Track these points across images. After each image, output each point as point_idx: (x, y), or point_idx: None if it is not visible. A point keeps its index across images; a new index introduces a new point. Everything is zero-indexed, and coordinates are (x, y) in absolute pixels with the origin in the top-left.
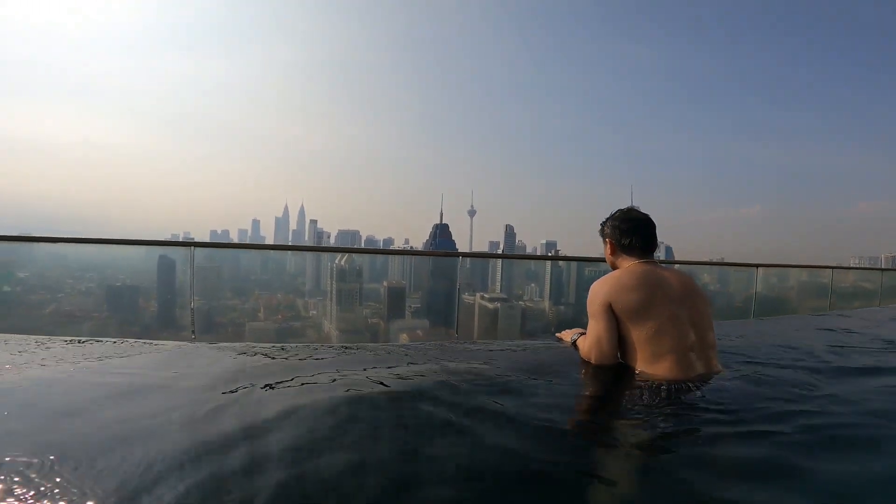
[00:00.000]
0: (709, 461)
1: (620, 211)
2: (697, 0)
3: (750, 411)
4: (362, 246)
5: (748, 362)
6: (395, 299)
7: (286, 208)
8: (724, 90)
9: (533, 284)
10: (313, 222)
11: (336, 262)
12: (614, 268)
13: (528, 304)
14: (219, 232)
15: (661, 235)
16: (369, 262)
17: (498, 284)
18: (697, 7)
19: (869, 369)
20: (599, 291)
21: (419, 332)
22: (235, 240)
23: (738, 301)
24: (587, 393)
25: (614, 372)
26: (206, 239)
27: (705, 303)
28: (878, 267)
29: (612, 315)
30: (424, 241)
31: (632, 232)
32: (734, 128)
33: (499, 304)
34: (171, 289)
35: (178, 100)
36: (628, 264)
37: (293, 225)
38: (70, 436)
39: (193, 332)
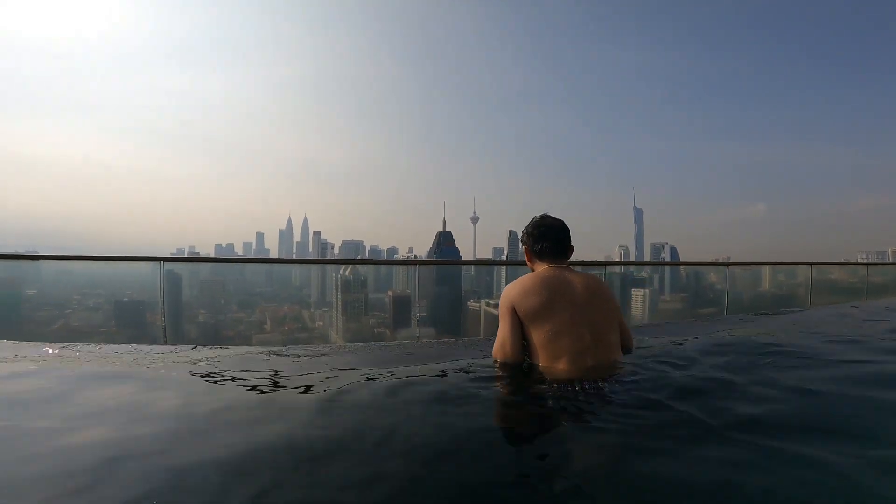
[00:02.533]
0: (563, 460)
1: (535, 218)
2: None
3: (624, 414)
4: (367, 256)
5: (661, 362)
6: (401, 308)
7: (290, 220)
8: (723, 89)
9: None
10: (317, 234)
11: (341, 272)
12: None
13: None
14: (223, 246)
15: (666, 236)
16: (374, 271)
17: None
18: (696, 7)
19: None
20: (505, 296)
21: (425, 340)
22: (240, 253)
23: (744, 298)
24: (485, 392)
25: (518, 371)
26: (211, 253)
27: (610, 305)
28: (866, 262)
29: (516, 317)
30: (428, 249)
31: (542, 238)
32: (734, 126)
33: None
34: (178, 303)
35: (179, 116)
36: (540, 269)
37: (297, 237)
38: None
39: (165, 341)
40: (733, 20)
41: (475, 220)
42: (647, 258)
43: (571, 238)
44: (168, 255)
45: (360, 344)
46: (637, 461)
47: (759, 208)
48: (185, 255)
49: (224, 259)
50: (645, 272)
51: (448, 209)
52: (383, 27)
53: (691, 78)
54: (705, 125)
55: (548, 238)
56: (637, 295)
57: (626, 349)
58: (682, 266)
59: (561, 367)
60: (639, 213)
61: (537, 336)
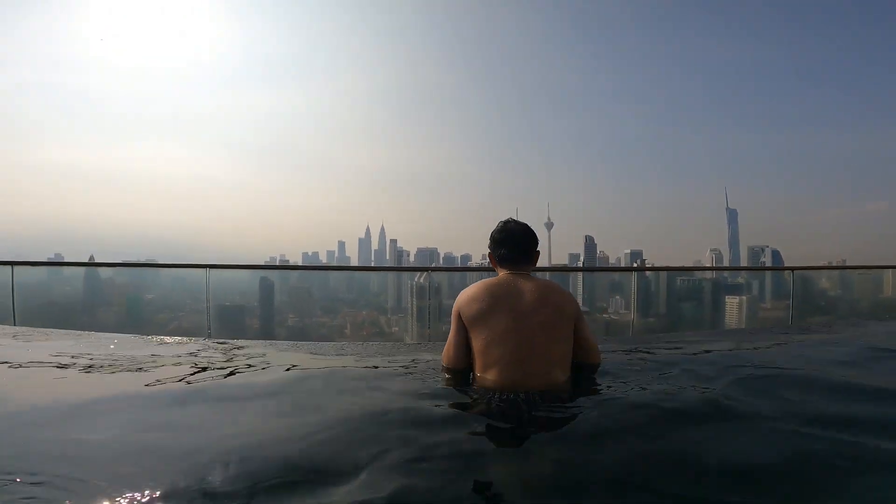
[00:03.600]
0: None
1: (500, 222)
2: None
3: (534, 438)
4: (441, 263)
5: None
6: None
7: (368, 229)
8: (827, 75)
9: (618, 297)
10: (393, 241)
11: (416, 279)
12: None
13: (612, 316)
14: (309, 254)
15: (766, 239)
16: (448, 278)
17: (579, 297)
18: None
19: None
20: (456, 300)
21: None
22: (324, 261)
23: (863, 305)
24: (399, 389)
25: (457, 376)
26: (299, 261)
27: (561, 316)
28: None
29: (461, 323)
30: None
31: (502, 244)
32: (843, 114)
33: None
34: (270, 307)
35: (266, 132)
36: (499, 275)
37: (375, 245)
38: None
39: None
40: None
41: (549, 225)
42: (744, 263)
43: (537, 243)
44: (262, 262)
45: (361, 343)
46: (506, 490)
47: (880, 206)
48: (277, 263)
49: (267, 266)
50: (741, 277)
51: (521, 215)
52: (455, 33)
53: (790, 64)
54: (807, 114)
55: (506, 244)
56: (732, 302)
57: (588, 364)
58: (786, 271)
59: (490, 376)
60: (733, 214)
61: (476, 343)
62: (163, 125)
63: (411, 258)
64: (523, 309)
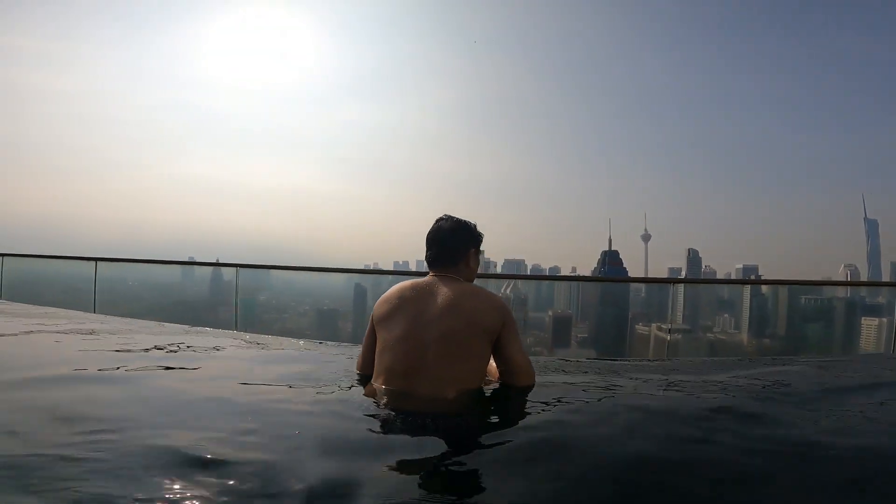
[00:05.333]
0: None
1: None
2: None
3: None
4: (527, 274)
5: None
6: (561, 328)
7: None
8: None
9: (726, 315)
10: (481, 252)
11: (502, 291)
12: None
13: (718, 336)
14: (400, 262)
15: None
16: (535, 290)
17: (679, 314)
18: None
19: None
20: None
21: (584, 362)
22: (413, 269)
23: None
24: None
25: (363, 381)
26: (390, 267)
27: (472, 328)
28: None
29: (371, 325)
30: (592, 268)
31: (428, 245)
32: None
33: (679, 336)
34: (363, 312)
35: (360, 145)
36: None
37: None
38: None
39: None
40: None
41: (646, 237)
42: (886, 279)
43: (467, 244)
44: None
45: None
46: None
47: None
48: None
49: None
50: (882, 297)
51: (614, 226)
52: (543, 43)
53: None
54: None
55: (431, 245)
56: (870, 325)
57: (516, 387)
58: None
59: (377, 385)
60: (872, 226)
61: (377, 348)
62: (272, 140)
63: (498, 268)
64: (427, 316)
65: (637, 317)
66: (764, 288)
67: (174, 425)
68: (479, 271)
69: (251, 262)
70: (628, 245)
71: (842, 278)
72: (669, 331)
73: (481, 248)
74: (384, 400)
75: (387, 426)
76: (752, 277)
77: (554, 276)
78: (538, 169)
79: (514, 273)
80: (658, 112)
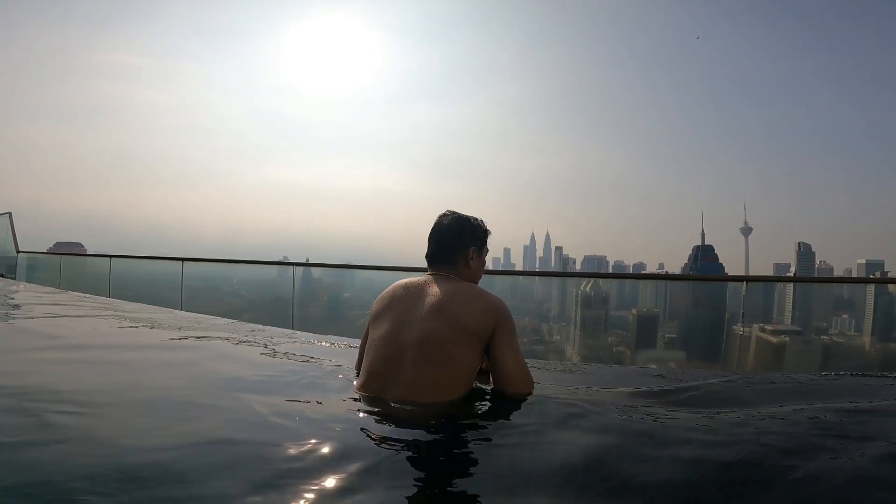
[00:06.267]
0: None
1: None
2: None
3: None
4: (610, 271)
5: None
6: (646, 328)
7: (532, 237)
8: None
9: (845, 315)
10: (558, 249)
11: (581, 288)
12: None
13: (834, 338)
14: None
15: None
16: (617, 288)
17: (787, 314)
18: None
19: None
20: None
21: (672, 363)
22: (490, 267)
23: None
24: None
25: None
26: None
27: (457, 330)
28: None
29: (368, 322)
30: (683, 265)
31: (428, 240)
32: None
33: (787, 338)
34: None
35: (433, 145)
36: None
37: (539, 252)
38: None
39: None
40: None
41: (747, 230)
42: None
43: (465, 242)
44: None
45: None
46: None
47: None
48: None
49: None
50: None
51: (708, 219)
52: (624, 30)
53: None
54: None
55: (429, 242)
56: None
57: (509, 395)
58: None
59: (358, 385)
60: None
61: (366, 347)
62: (347, 145)
63: (577, 265)
64: (411, 316)
65: (735, 317)
66: (892, 286)
67: (127, 426)
68: (497, 269)
69: (336, 261)
70: (725, 239)
71: None
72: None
73: (486, 247)
74: (357, 404)
75: (349, 432)
76: (877, 274)
77: (624, 275)
78: (620, 162)
79: (595, 271)
80: (759, 96)
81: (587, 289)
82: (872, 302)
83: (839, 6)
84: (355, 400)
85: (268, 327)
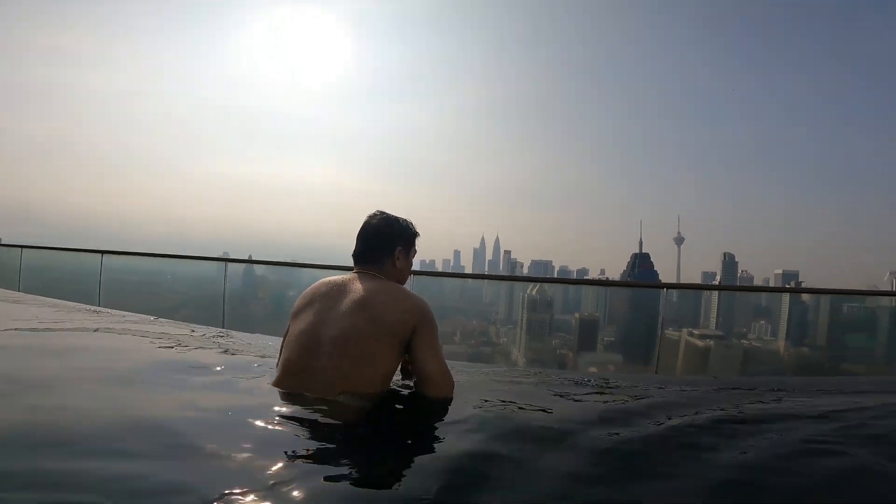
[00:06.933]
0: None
1: None
2: None
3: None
4: (555, 276)
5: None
6: (587, 331)
7: (483, 240)
8: None
9: (762, 321)
10: (507, 253)
11: (528, 291)
12: None
13: (753, 343)
14: (427, 261)
15: None
16: (562, 293)
17: (712, 320)
18: None
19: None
20: None
21: (611, 366)
22: (440, 269)
23: None
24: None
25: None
26: (417, 268)
27: (377, 328)
28: None
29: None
30: (622, 271)
31: (356, 239)
32: None
33: (711, 342)
34: None
35: (388, 144)
36: None
37: (489, 255)
38: None
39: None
40: None
41: (680, 240)
42: None
43: (392, 241)
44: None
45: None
46: None
47: None
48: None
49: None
50: None
51: (645, 229)
52: (579, 43)
53: None
54: None
55: (356, 241)
56: None
57: (427, 398)
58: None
59: (274, 380)
60: None
61: (285, 342)
62: (300, 140)
63: (525, 270)
64: (332, 312)
65: (668, 322)
66: (805, 296)
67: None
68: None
69: (283, 258)
70: (661, 248)
71: (887, 286)
72: (701, 336)
73: (415, 249)
74: (270, 398)
75: (259, 429)
76: (792, 284)
77: (569, 280)
78: (567, 170)
79: (542, 275)
80: (696, 112)
81: (533, 293)
82: (787, 310)
83: (778, 30)
84: (269, 395)
85: (190, 324)
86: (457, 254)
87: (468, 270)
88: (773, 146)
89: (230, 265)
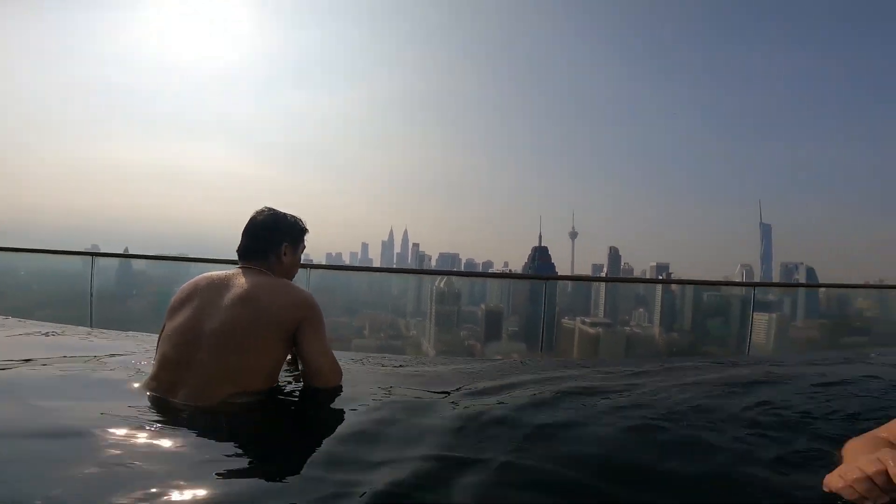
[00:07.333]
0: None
1: None
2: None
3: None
4: (462, 269)
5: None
6: (493, 322)
7: (391, 233)
8: (870, 87)
9: (641, 309)
10: (415, 245)
11: (436, 284)
12: None
13: (634, 329)
14: (333, 254)
15: (801, 256)
16: (468, 285)
17: (601, 309)
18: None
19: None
20: None
21: (515, 355)
22: (347, 262)
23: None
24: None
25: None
26: (322, 261)
27: (259, 321)
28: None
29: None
30: (524, 264)
31: (241, 235)
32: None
33: (601, 330)
34: None
35: (297, 133)
36: None
37: (397, 248)
38: None
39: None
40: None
41: (574, 235)
42: (776, 280)
43: (278, 237)
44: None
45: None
46: None
47: None
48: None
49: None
50: (772, 295)
51: (545, 224)
52: (484, 42)
53: (829, 76)
54: (852, 129)
55: (242, 236)
56: (761, 320)
57: (314, 389)
58: (821, 288)
59: (149, 377)
60: (766, 230)
61: (162, 337)
62: (199, 125)
63: (433, 263)
64: (213, 306)
65: (564, 311)
66: (674, 286)
67: None
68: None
69: (169, 252)
70: (558, 242)
71: (738, 278)
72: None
73: (303, 244)
74: (146, 393)
75: (130, 429)
76: (664, 275)
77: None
78: (476, 166)
79: (449, 268)
80: (588, 114)
81: (441, 285)
82: (660, 299)
83: (664, 38)
84: (143, 393)
85: (47, 324)
86: (365, 246)
87: (376, 263)
88: (649, 148)
89: (101, 260)
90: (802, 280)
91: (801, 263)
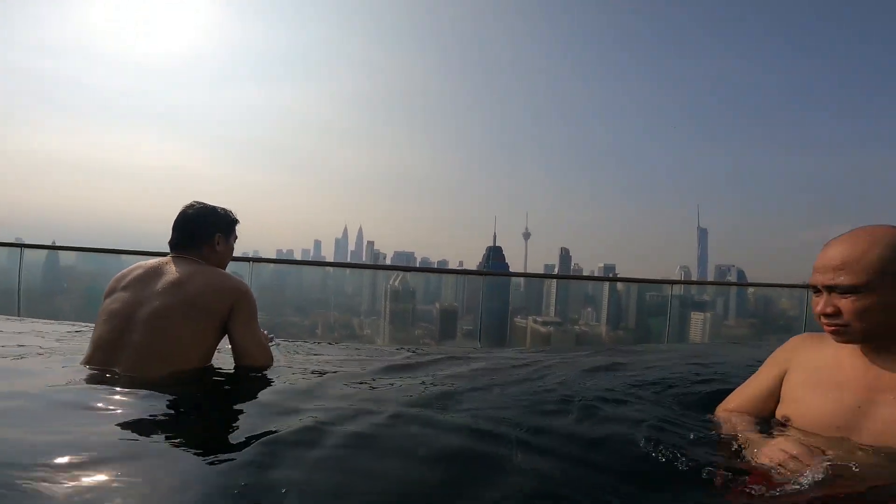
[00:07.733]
0: None
1: None
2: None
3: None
4: (418, 267)
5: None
6: (448, 321)
7: (346, 230)
8: (803, 98)
9: (590, 308)
10: (370, 243)
11: (390, 283)
12: None
13: (583, 327)
14: (284, 251)
15: (733, 259)
16: (423, 284)
17: (552, 308)
18: (756, 13)
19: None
20: None
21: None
22: (299, 258)
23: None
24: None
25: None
26: (273, 256)
27: (193, 306)
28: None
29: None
30: (478, 263)
31: (172, 229)
32: (816, 140)
33: (552, 328)
34: None
35: (249, 128)
36: None
37: (352, 246)
38: None
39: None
40: (819, 20)
41: (527, 235)
42: (710, 279)
43: (208, 229)
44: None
45: None
46: None
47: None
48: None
49: (94, 249)
50: (707, 294)
51: (499, 224)
52: (441, 42)
53: (764, 86)
54: (780, 138)
55: (173, 229)
56: (697, 318)
57: (242, 366)
58: (750, 289)
59: (84, 359)
60: (703, 234)
61: (97, 322)
62: (143, 117)
63: (388, 260)
64: (146, 292)
65: (516, 310)
66: (619, 285)
67: None
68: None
69: (102, 245)
70: (511, 242)
71: (677, 277)
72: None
73: (235, 234)
74: (81, 374)
75: (66, 409)
76: (612, 275)
77: (431, 269)
78: (432, 165)
79: (405, 265)
80: (540, 117)
81: (396, 283)
82: (607, 298)
83: (635, 43)
84: (76, 374)
85: None
86: (318, 244)
87: (329, 259)
88: (597, 152)
89: (28, 255)
90: (734, 279)
91: (734, 266)
